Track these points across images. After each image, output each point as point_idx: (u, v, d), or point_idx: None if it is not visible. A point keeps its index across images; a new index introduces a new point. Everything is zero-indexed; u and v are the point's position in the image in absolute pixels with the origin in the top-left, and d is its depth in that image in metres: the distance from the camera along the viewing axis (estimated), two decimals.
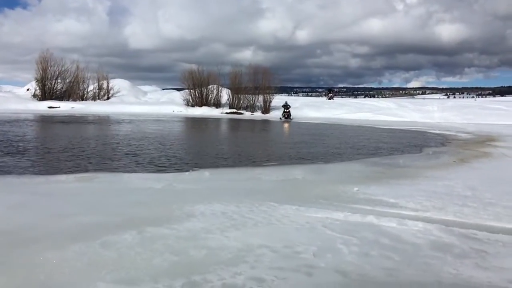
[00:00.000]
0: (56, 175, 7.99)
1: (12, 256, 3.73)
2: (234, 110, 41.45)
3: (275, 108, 39.44)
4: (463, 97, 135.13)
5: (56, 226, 4.62)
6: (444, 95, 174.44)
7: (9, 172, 8.23)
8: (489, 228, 4.89)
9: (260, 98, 41.90)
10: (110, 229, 4.48)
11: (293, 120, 34.11)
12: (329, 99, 58.78)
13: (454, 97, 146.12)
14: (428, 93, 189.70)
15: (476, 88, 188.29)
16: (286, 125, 29.21)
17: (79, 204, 5.62)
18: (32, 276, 3.35)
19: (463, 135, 20.30)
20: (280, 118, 35.69)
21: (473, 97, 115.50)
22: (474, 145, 15.31)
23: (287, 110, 36.42)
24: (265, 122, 32.61)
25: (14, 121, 23.79)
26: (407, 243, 4.31)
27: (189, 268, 3.52)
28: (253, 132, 23.18)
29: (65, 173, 8.20)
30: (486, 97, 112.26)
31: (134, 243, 4.07)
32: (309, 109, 39.87)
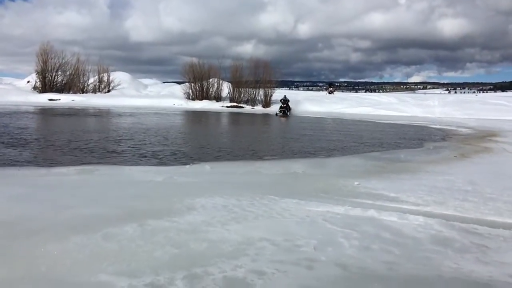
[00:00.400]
0: (57, 167, 7.99)
1: (13, 248, 3.74)
2: (235, 104, 41.41)
3: (276, 102, 39.12)
4: (464, 92, 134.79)
5: (57, 218, 4.62)
6: (445, 90, 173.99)
7: (10, 164, 8.23)
8: (489, 223, 4.89)
9: (261, 92, 41.83)
10: (111, 221, 4.48)
11: (292, 116, 32.17)
12: (330, 93, 58.64)
13: (455, 92, 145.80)
14: (429, 88, 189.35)
15: (478, 83, 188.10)
16: (282, 120, 28.26)
17: (80, 196, 5.62)
18: (34, 267, 3.35)
19: (464, 130, 20.28)
20: (276, 114, 32.61)
21: (474, 92, 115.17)
22: (475, 140, 15.30)
23: (284, 105, 33.28)
24: (266, 116, 32.56)
25: (15, 113, 23.77)
26: (407, 237, 4.31)
27: (190, 261, 3.53)
28: (253, 126, 23.17)
29: (66, 165, 8.20)
30: (487, 92, 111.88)
31: (135, 236, 4.08)
32: (310, 103, 39.78)
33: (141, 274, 3.26)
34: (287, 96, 35.51)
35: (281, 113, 32.95)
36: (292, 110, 34.19)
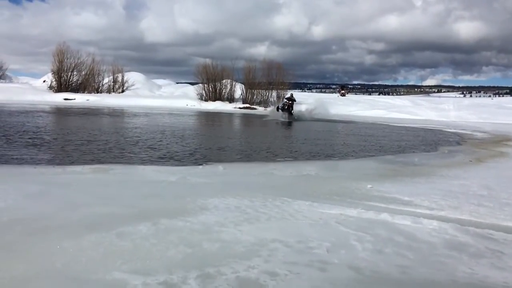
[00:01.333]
0: (72, 166, 8.09)
1: (30, 244, 3.80)
2: (247, 105, 41.51)
3: None
4: (480, 96, 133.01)
5: (72, 216, 4.68)
6: (460, 93, 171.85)
7: (26, 162, 8.36)
8: (505, 228, 4.82)
9: (274, 93, 41.87)
10: (126, 220, 4.53)
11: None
12: (342, 95, 58.36)
13: (471, 96, 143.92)
14: (444, 92, 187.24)
15: (494, 87, 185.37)
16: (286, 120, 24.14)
17: (94, 194, 5.69)
18: (49, 264, 3.40)
19: (479, 135, 20.03)
20: (278, 109, 26.46)
21: (490, 96, 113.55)
22: (491, 145, 15.10)
23: (289, 102, 26.37)
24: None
25: (31, 112, 24.14)
26: (421, 241, 4.28)
27: (203, 261, 3.55)
28: (266, 127, 23.15)
29: (82, 164, 8.30)
30: (503, 96, 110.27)
31: (149, 235, 4.11)
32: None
33: (154, 272, 3.29)
34: (293, 96, 29.54)
35: (281, 110, 26.22)
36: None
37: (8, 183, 6.18)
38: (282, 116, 25.95)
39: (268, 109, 35.94)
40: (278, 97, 41.04)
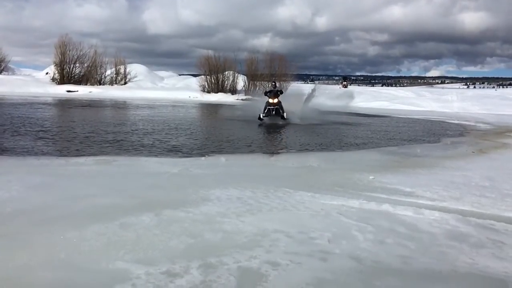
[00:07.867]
0: (75, 157, 8.12)
1: (33, 235, 3.83)
2: (250, 97, 41.39)
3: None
4: (484, 87, 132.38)
5: (75, 206, 4.72)
6: (464, 84, 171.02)
7: (30, 154, 8.38)
8: (507, 219, 4.83)
9: (276, 85, 41.78)
10: (128, 211, 4.56)
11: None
12: (344, 87, 58.12)
13: (474, 87, 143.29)
14: (447, 83, 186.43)
15: (497, 78, 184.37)
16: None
17: (97, 186, 5.72)
18: (53, 254, 3.44)
19: (483, 126, 19.96)
20: (261, 118, 17.95)
21: (493, 87, 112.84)
22: (494, 136, 15.06)
23: (275, 101, 18.00)
24: None
25: (34, 104, 24.17)
26: (423, 232, 4.29)
27: (205, 251, 3.58)
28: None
29: (85, 155, 8.33)
30: (507, 87, 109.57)
31: (151, 225, 4.15)
32: (326, 97, 39.47)
33: (157, 262, 3.32)
34: (278, 85, 21.38)
35: (268, 114, 18.21)
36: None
37: (12, 174, 6.22)
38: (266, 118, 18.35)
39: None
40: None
